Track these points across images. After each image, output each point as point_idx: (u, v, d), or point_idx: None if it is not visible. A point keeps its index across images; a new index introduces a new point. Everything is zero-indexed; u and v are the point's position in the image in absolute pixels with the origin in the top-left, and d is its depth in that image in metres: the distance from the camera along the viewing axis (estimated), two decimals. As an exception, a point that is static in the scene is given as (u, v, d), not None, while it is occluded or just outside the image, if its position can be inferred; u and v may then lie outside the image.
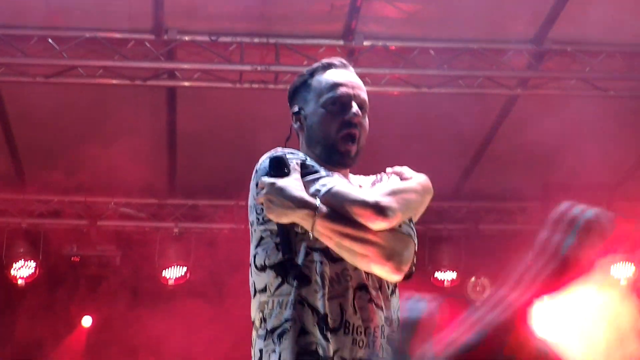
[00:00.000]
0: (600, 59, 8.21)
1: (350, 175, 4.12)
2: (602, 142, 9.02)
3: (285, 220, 3.71)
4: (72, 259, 11.03)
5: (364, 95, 4.01)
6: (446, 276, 10.60)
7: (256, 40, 8.06)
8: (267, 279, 3.85)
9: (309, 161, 3.93)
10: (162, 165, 9.92)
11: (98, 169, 9.52)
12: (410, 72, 8.10)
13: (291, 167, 3.76)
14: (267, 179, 3.74)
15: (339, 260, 3.79)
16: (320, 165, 3.94)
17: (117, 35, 8.09)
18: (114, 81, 8.26)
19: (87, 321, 11.19)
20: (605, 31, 7.99)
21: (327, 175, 3.85)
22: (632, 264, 9.64)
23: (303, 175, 3.82)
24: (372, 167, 3.98)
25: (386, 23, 7.96)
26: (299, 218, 3.68)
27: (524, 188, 10.01)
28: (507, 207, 10.66)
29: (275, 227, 3.81)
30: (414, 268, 3.95)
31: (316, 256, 3.77)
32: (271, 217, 3.74)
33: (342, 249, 3.76)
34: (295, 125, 4.02)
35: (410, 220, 3.94)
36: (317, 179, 3.82)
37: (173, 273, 10.71)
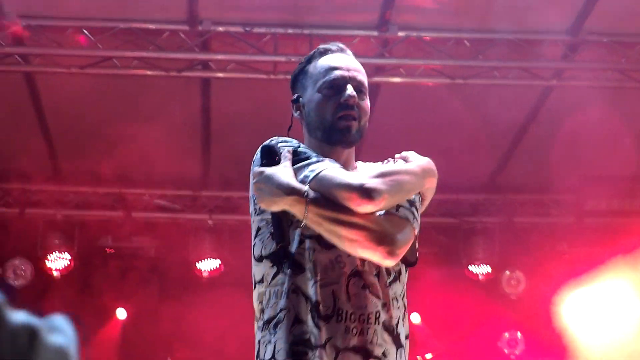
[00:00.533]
0: (637, 50, 8.15)
1: (360, 163, 4.08)
2: (637, 134, 9.04)
3: (275, 208, 3.70)
4: (107, 250, 11.08)
5: (361, 77, 3.93)
6: (480, 270, 10.44)
7: (290, 31, 8.08)
8: (264, 269, 3.84)
9: (302, 148, 3.88)
10: (196, 156, 9.94)
11: (132, 161, 9.55)
12: (444, 63, 8.06)
13: (282, 155, 3.74)
14: (257, 168, 3.75)
15: (333, 247, 3.73)
16: (324, 149, 3.91)
17: (152, 26, 8.11)
18: (149, 72, 8.29)
19: (121, 313, 11.21)
20: None
21: (318, 161, 3.80)
22: None
23: (295, 162, 3.79)
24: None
25: (420, 13, 7.94)
26: (289, 205, 3.65)
27: (559, 180, 9.90)
28: (541, 200, 10.51)
29: (270, 217, 3.81)
30: (417, 254, 3.98)
31: (309, 243, 3.73)
32: (262, 205, 3.75)
33: (332, 234, 3.71)
34: (296, 114, 3.99)
35: (413, 204, 3.89)
36: (307, 164, 3.78)
37: (207, 265, 10.71)
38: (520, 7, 7.88)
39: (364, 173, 3.79)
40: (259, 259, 3.85)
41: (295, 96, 3.99)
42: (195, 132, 9.53)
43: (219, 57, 8.25)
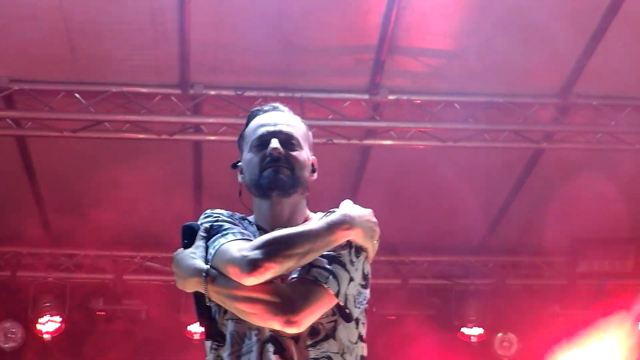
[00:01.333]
0: (626, 112, 8.17)
1: (314, 214, 3.89)
2: (630, 197, 9.02)
3: (187, 289, 3.62)
4: (98, 313, 10.95)
5: (289, 129, 3.82)
6: (473, 331, 10.40)
7: (281, 94, 8.04)
8: (207, 342, 3.75)
9: (223, 219, 3.80)
10: (188, 218, 9.86)
11: (123, 223, 9.54)
12: (435, 126, 8.06)
13: (197, 235, 3.70)
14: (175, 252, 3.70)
15: None
16: (263, 205, 3.84)
17: (144, 90, 8.10)
18: (141, 135, 8.27)
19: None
20: (629, 85, 7.98)
21: (224, 234, 3.71)
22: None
23: (210, 237, 3.72)
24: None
25: (411, 77, 7.97)
26: (195, 286, 3.57)
27: (551, 242, 9.86)
28: (534, 262, 10.46)
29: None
30: (357, 307, 3.75)
31: (228, 314, 3.65)
32: (178, 287, 3.64)
33: (234, 309, 3.61)
34: (240, 178, 3.89)
35: (336, 260, 3.67)
36: (214, 240, 3.70)
37: (198, 327, 10.58)
38: (510, 70, 7.89)
39: (256, 240, 3.64)
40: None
41: (236, 162, 3.92)
42: (188, 193, 9.50)
43: (211, 120, 8.25)
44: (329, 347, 3.80)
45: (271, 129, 3.76)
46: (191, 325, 10.59)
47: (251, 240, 3.66)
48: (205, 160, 8.99)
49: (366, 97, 8.06)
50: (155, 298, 10.72)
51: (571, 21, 7.32)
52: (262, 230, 3.84)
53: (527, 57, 7.77)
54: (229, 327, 3.72)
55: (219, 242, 3.66)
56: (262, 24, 7.32)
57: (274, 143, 3.70)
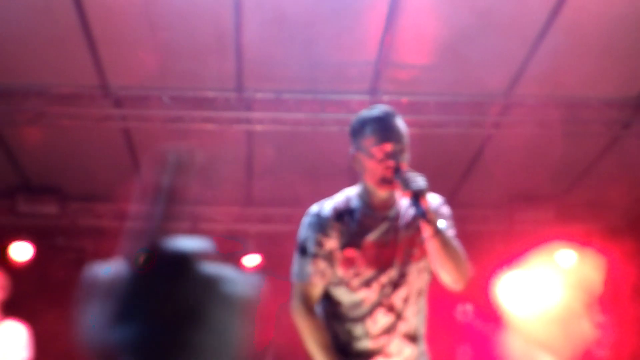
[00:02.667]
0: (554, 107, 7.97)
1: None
2: (552, 169, 8.99)
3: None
4: None
5: None
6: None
7: (307, 95, 7.92)
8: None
9: (305, 238, 3.69)
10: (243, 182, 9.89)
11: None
12: (416, 118, 7.68)
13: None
14: None
15: None
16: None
17: (211, 94, 7.94)
18: (209, 126, 8.14)
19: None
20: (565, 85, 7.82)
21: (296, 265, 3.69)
22: (574, 252, 9.35)
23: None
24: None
25: (399, 83, 7.80)
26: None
27: (497, 199, 9.87)
28: (485, 213, 10.26)
29: None
30: None
31: None
32: None
33: None
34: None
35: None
36: (294, 265, 3.69)
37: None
38: (470, 76, 7.67)
39: None
40: None
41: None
42: (241, 169, 9.31)
43: (261, 113, 8.04)
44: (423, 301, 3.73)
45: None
46: None
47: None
48: (255, 146, 8.83)
49: (367, 97, 7.81)
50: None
51: (515, 37, 7.15)
52: (367, 209, 3.63)
53: (482, 66, 7.52)
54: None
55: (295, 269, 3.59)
56: (293, 45, 7.17)
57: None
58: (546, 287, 9.39)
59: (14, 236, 9.86)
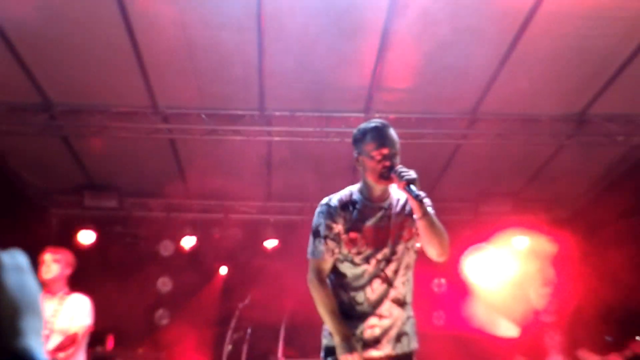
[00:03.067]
0: (510, 122, 7.92)
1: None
2: (510, 172, 8.91)
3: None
4: (214, 236, 10.55)
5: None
6: (419, 244, 10.36)
7: (315, 113, 7.89)
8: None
9: (320, 222, 3.68)
10: (262, 177, 9.90)
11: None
12: (402, 131, 7.66)
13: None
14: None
15: None
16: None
17: (240, 112, 7.87)
18: (238, 138, 8.06)
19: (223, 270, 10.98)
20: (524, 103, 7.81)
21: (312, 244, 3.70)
22: (527, 237, 9.32)
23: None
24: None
25: (387, 103, 7.73)
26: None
27: (466, 194, 9.75)
28: (455, 205, 10.11)
29: None
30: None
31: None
32: None
33: None
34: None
35: None
36: (310, 244, 3.69)
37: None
38: (441, 97, 7.63)
39: None
40: None
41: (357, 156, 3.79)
42: (263, 168, 9.26)
43: (277, 128, 8.02)
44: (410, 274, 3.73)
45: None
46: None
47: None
48: (274, 153, 8.80)
49: (362, 115, 7.76)
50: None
51: (479, 67, 7.12)
52: (367, 201, 3.67)
53: (454, 90, 7.50)
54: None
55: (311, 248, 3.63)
56: (303, 74, 7.13)
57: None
58: (504, 265, 9.39)
59: (81, 225, 9.90)
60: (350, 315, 3.51)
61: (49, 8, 6.07)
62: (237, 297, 9.43)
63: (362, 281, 3.53)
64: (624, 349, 6.33)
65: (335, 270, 3.60)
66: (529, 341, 6.90)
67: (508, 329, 9.05)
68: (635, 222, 7.90)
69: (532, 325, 6.99)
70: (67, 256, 6.19)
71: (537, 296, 7.05)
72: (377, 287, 3.53)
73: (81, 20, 6.27)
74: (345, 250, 3.55)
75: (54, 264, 6.05)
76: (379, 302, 3.51)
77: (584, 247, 8.29)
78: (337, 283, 3.59)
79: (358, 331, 3.49)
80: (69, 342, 5.72)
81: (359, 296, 3.52)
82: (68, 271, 6.15)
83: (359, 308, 3.51)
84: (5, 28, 6.36)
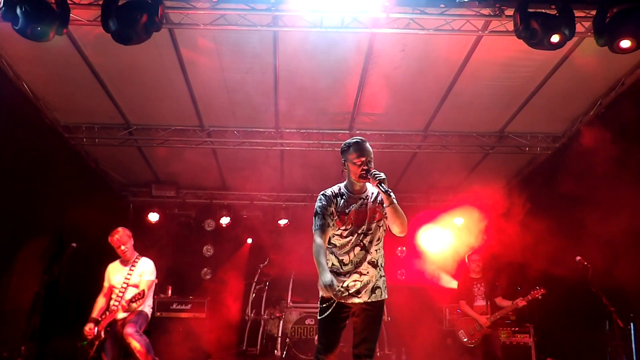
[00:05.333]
0: (452, 136, 7.85)
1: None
2: (450, 171, 8.78)
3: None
4: (243, 216, 10.39)
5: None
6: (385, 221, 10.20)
7: (314, 131, 7.81)
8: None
9: (320, 205, 3.69)
10: (274, 179, 9.79)
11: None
12: (376, 143, 7.60)
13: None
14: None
15: None
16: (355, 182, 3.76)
17: (261, 129, 7.75)
18: (260, 147, 7.88)
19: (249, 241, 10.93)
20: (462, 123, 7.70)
21: (315, 223, 3.68)
22: (463, 217, 9.21)
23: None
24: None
25: (365, 124, 7.67)
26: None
27: (421, 187, 9.61)
28: (413, 196, 9.96)
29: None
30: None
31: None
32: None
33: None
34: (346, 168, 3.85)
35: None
36: (314, 222, 3.70)
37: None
38: (402, 120, 7.56)
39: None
40: None
41: (343, 162, 3.83)
42: (277, 173, 9.06)
43: (288, 141, 7.92)
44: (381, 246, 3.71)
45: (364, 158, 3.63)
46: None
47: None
48: (285, 158, 8.67)
49: (348, 132, 7.75)
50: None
51: (429, 99, 7.11)
52: (350, 193, 3.65)
53: (412, 115, 7.47)
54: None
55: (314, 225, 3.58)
56: (307, 104, 7.08)
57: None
58: (447, 236, 9.32)
59: (149, 208, 9.88)
60: (339, 273, 3.60)
61: (128, 57, 6.13)
62: (259, 260, 9.50)
63: (347, 248, 3.66)
64: (527, 295, 6.43)
65: (329, 241, 3.70)
66: (463, 290, 6.97)
67: (449, 282, 9.16)
68: (536, 207, 7.94)
69: (464, 280, 7.07)
70: (126, 231, 5.99)
71: (468, 259, 7.15)
72: (358, 252, 3.65)
73: (151, 66, 6.34)
74: (335, 227, 3.67)
75: (124, 237, 5.92)
76: (359, 263, 3.62)
77: (500, 224, 8.27)
78: (330, 250, 3.69)
79: (345, 284, 3.59)
80: (139, 296, 5.61)
81: (345, 258, 3.62)
82: (132, 241, 6.00)
83: (345, 268, 3.61)
84: (98, 71, 6.43)
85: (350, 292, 3.53)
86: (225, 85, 6.69)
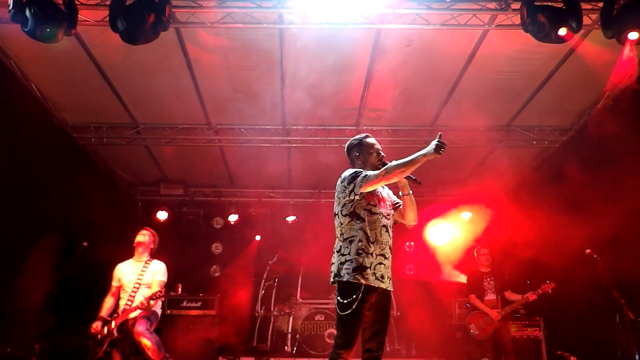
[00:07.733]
0: (459, 131, 7.84)
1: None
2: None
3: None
4: (251, 213, 10.37)
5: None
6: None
7: (322, 127, 7.77)
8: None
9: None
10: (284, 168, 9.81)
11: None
12: (381, 138, 7.49)
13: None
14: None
15: None
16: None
17: (269, 127, 7.77)
18: (267, 144, 7.90)
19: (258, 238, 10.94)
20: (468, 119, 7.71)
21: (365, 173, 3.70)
22: (470, 212, 9.19)
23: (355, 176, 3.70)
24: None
25: (371, 119, 7.68)
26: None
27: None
28: (425, 190, 10.04)
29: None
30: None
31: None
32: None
33: None
34: (359, 160, 3.88)
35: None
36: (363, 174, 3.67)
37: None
38: (409, 115, 7.54)
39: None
40: None
41: (357, 154, 3.85)
42: (284, 164, 9.02)
43: (295, 138, 7.94)
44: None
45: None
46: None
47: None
48: (292, 155, 8.68)
49: (354, 128, 7.76)
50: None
51: (435, 95, 7.07)
52: None
53: (418, 109, 7.45)
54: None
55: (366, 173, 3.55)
56: (313, 101, 7.05)
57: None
58: (454, 230, 9.32)
59: (158, 207, 9.93)
60: (367, 252, 3.49)
61: (135, 57, 6.17)
62: (268, 257, 9.56)
63: (375, 225, 3.54)
64: (537, 289, 6.43)
65: (357, 215, 3.57)
66: (472, 284, 6.96)
67: (457, 277, 9.17)
68: (544, 200, 7.92)
69: (473, 274, 7.07)
70: (156, 236, 6.04)
71: (477, 253, 7.15)
72: (384, 233, 3.60)
73: (158, 65, 6.37)
74: (366, 200, 3.60)
75: (148, 236, 5.96)
76: (383, 245, 3.55)
77: (507, 218, 8.24)
78: (359, 226, 3.54)
79: (372, 265, 3.47)
80: (159, 295, 5.61)
81: (372, 236, 3.51)
82: (153, 246, 6.02)
83: (372, 247, 3.50)
84: (105, 71, 6.46)
85: (376, 275, 3.47)
86: (232, 83, 6.71)
